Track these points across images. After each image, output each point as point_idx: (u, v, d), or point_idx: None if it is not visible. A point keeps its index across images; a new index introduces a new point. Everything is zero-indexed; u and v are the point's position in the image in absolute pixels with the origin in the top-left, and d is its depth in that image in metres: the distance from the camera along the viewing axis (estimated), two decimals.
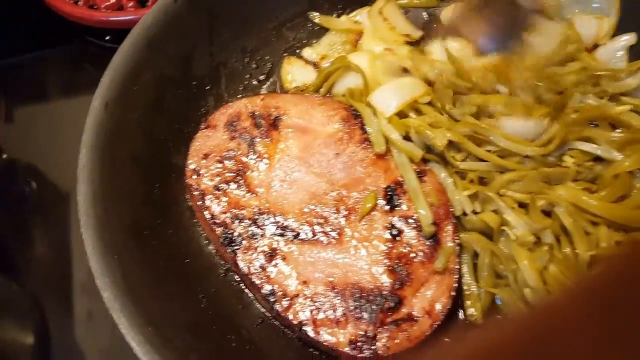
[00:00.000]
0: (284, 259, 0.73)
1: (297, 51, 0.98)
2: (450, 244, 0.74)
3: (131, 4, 1.08)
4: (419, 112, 0.83)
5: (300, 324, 0.69)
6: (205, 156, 0.82)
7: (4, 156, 1.11)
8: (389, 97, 0.82)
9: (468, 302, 0.72)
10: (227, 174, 0.80)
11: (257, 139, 0.83)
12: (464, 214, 0.76)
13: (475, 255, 0.75)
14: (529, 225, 0.70)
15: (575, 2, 0.90)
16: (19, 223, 1.01)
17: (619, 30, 0.88)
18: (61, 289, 0.91)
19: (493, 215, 0.72)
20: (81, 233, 0.64)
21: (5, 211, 1.02)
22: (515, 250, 0.69)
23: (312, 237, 0.75)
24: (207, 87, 0.91)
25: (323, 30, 1.00)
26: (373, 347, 0.67)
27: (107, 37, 1.12)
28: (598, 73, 0.81)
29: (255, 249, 0.74)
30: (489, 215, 0.72)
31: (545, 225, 0.70)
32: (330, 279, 0.72)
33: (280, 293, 0.70)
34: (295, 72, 0.95)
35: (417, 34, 0.96)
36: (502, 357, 0.33)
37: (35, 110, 1.13)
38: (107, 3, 1.08)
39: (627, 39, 0.86)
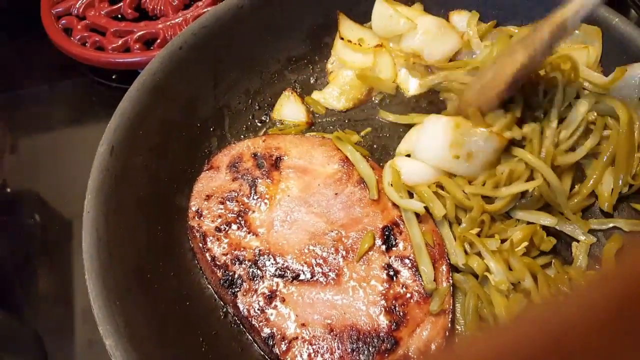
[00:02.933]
0: (283, 300, 0.75)
1: (299, 92, 1.01)
2: (445, 285, 0.76)
3: (137, 45, 1.12)
4: None
5: None
6: (208, 197, 0.84)
7: (8, 190, 1.13)
8: (416, 172, 0.83)
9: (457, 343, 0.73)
10: (229, 215, 0.82)
11: (259, 180, 0.86)
12: None
13: None
14: (506, 273, 0.72)
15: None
16: (22, 258, 1.02)
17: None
18: (63, 322, 0.92)
19: (479, 260, 0.74)
20: (84, 271, 0.66)
21: (9, 246, 1.03)
22: (494, 296, 0.71)
23: (311, 277, 0.77)
24: (211, 129, 0.94)
25: (325, 73, 1.03)
26: None
27: (114, 77, 1.16)
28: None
29: (255, 291, 0.75)
30: (474, 259, 0.74)
31: (520, 275, 0.72)
32: (328, 321, 0.73)
33: (279, 336, 0.71)
34: (288, 108, 0.98)
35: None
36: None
37: (40, 143, 1.15)
38: (114, 45, 1.12)
39: None
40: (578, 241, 0.80)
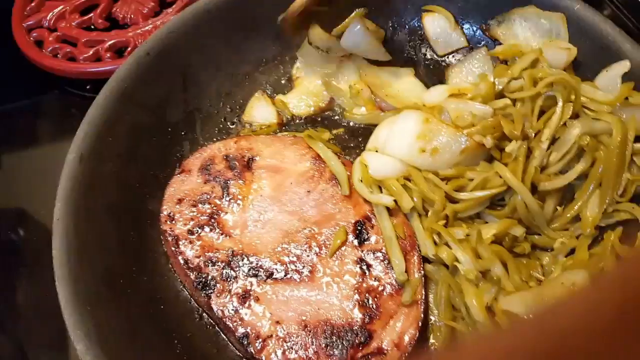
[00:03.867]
0: (257, 300, 0.75)
1: (270, 93, 1.02)
2: (416, 275, 0.76)
3: (109, 54, 1.12)
4: None
5: None
6: (180, 201, 0.84)
7: None
8: (383, 166, 0.83)
9: (430, 335, 0.74)
10: (201, 218, 0.83)
11: (231, 181, 0.86)
12: None
13: None
14: (474, 262, 0.72)
15: (527, 27, 0.94)
16: (4, 272, 1.02)
17: None
18: (49, 334, 0.91)
19: (448, 250, 0.74)
20: None
21: None
22: (464, 286, 0.71)
23: (285, 275, 0.78)
24: (182, 132, 0.95)
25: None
26: None
27: (88, 87, 1.16)
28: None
29: (229, 291, 0.76)
30: (443, 249, 0.75)
31: (488, 264, 0.72)
32: (303, 318, 0.74)
33: (253, 335, 0.72)
34: (258, 110, 0.99)
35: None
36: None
37: (22, 157, 1.15)
38: (86, 55, 1.12)
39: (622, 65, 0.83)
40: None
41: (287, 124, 0.99)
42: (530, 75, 0.81)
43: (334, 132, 0.97)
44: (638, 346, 0.30)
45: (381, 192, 0.83)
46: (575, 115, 0.79)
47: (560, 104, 0.78)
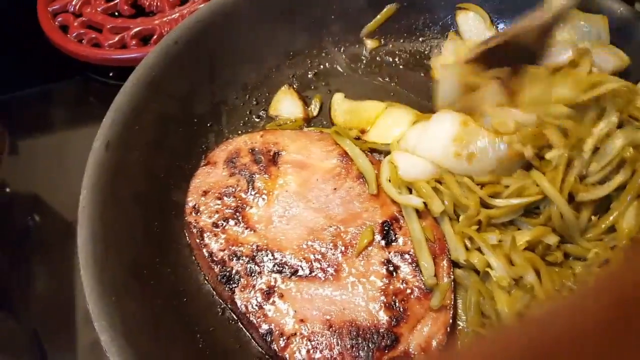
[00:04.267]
0: (281, 296, 0.74)
1: (296, 86, 1.00)
2: (445, 280, 0.74)
3: (134, 42, 1.11)
4: None
5: None
6: (205, 193, 0.83)
7: (7, 190, 1.13)
8: (413, 167, 0.81)
9: (459, 341, 0.72)
10: (226, 211, 0.81)
11: (257, 175, 0.85)
12: None
13: None
14: (507, 269, 0.70)
15: (567, 29, 0.90)
16: (20, 259, 1.01)
17: None
18: (64, 323, 0.91)
19: (480, 255, 0.72)
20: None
21: (7, 247, 1.02)
22: (496, 293, 0.69)
23: (310, 273, 0.76)
24: (208, 124, 0.93)
25: (324, 68, 1.02)
26: None
27: (111, 74, 1.15)
28: None
29: (253, 286, 0.74)
30: (474, 255, 0.73)
31: (522, 271, 0.70)
32: (327, 317, 0.72)
33: (277, 332, 0.70)
34: (285, 104, 0.97)
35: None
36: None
37: (39, 144, 1.15)
38: (111, 41, 1.11)
39: None
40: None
41: (313, 119, 0.97)
42: (587, 82, 0.78)
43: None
44: (630, 349, 0.31)
45: (410, 193, 0.81)
46: (619, 124, 0.77)
47: (612, 115, 0.75)
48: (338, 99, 0.97)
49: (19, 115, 1.20)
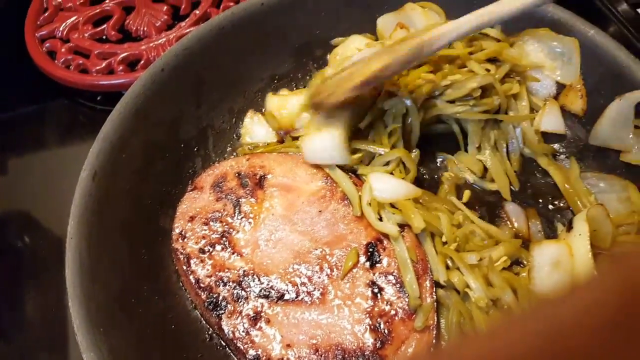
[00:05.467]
0: (268, 321, 0.75)
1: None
2: (429, 300, 0.76)
3: (121, 67, 1.13)
4: None
5: None
6: (192, 219, 0.84)
7: None
8: (388, 188, 0.83)
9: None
10: (213, 236, 0.83)
11: (243, 199, 0.86)
12: None
13: None
14: (484, 289, 0.72)
15: (539, 49, 0.94)
16: (9, 279, 1.01)
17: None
18: (54, 346, 0.91)
19: (460, 275, 0.74)
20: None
21: None
22: (474, 312, 0.71)
23: (296, 297, 0.77)
24: (195, 149, 0.95)
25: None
26: None
27: (99, 98, 1.16)
28: None
29: (240, 312, 0.75)
30: (455, 274, 0.75)
31: (499, 293, 0.72)
32: (314, 341, 0.73)
33: (264, 358, 0.71)
34: (254, 130, 0.98)
35: None
36: None
37: (29, 164, 1.15)
38: (98, 67, 1.12)
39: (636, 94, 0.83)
40: None
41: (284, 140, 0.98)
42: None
43: None
44: (636, 346, 0.30)
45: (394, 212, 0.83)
46: None
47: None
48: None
49: (9, 135, 1.20)
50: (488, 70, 0.87)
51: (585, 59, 0.89)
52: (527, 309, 0.37)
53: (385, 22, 1.01)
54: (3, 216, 1.11)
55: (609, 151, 0.87)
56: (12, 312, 0.98)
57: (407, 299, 0.76)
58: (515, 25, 0.94)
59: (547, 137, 0.91)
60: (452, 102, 0.88)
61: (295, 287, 0.78)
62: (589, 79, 0.89)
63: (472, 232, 0.80)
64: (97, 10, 1.24)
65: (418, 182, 0.87)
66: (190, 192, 0.88)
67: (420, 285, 0.77)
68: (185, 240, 0.82)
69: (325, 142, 0.85)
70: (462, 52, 0.88)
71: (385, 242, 0.82)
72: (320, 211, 0.86)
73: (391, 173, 0.85)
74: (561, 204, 0.87)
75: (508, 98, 0.89)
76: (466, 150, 0.91)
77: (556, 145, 0.92)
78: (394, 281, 0.78)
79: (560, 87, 0.93)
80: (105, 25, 1.21)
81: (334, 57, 1.01)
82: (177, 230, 0.83)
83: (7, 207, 1.11)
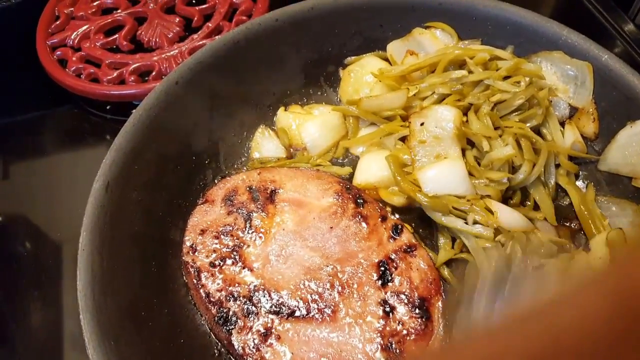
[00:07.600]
0: (278, 338, 0.74)
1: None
2: (440, 321, 0.75)
3: (132, 78, 1.13)
4: None
5: None
6: (202, 232, 0.84)
7: (0, 218, 1.12)
8: (438, 182, 0.83)
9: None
10: (224, 250, 0.82)
11: (254, 213, 0.86)
12: None
13: None
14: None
15: (553, 71, 0.95)
16: (11, 287, 1.00)
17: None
18: (54, 354, 0.90)
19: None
20: (76, 297, 0.65)
21: None
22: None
23: (307, 314, 0.77)
24: (206, 162, 0.95)
25: (317, 105, 1.05)
26: None
27: (108, 107, 1.16)
28: None
29: (250, 328, 0.75)
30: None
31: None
32: (325, 359, 0.73)
33: None
34: (264, 145, 0.99)
35: None
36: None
37: (33, 171, 1.15)
38: (109, 77, 1.12)
39: None
40: None
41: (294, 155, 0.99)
42: None
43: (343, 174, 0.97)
44: (631, 349, 0.30)
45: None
46: None
47: None
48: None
49: (14, 142, 1.20)
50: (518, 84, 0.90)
51: (598, 82, 0.90)
52: (527, 310, 0.36)
53: (394, 48, 1.02)
54: (6, 222, 1.11)
55: (621, 175, 0.87)
56: (14, 318, 0.96)
57: (419, 319, 0.75)
58: (529, 47, 0.96)
59: None
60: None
61: (306, 303, 0.77)
62: (602, 102, 0.90)
63: None
64: (109, 20, 1.24)
65: None
66: (202, 205, 0.87)
67: (432, 305, 0.77)
68: (196, 253, 0.81)
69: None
70: (490, 74, 0.90)
71: (396, 260, 0.81)
72: (331, 227, 0.85)
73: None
74: (573, 225, 0.87)
75: (547, 109, 0.90)
76: None
77: None
78: (405, 300, 0.78)
79: (573, 109, 0.94)
80: (117, 35, 1.21)
81: (348, 75, 1.01)
82: (188, 243, 0.82)
83: (10, 213, 1.11)
